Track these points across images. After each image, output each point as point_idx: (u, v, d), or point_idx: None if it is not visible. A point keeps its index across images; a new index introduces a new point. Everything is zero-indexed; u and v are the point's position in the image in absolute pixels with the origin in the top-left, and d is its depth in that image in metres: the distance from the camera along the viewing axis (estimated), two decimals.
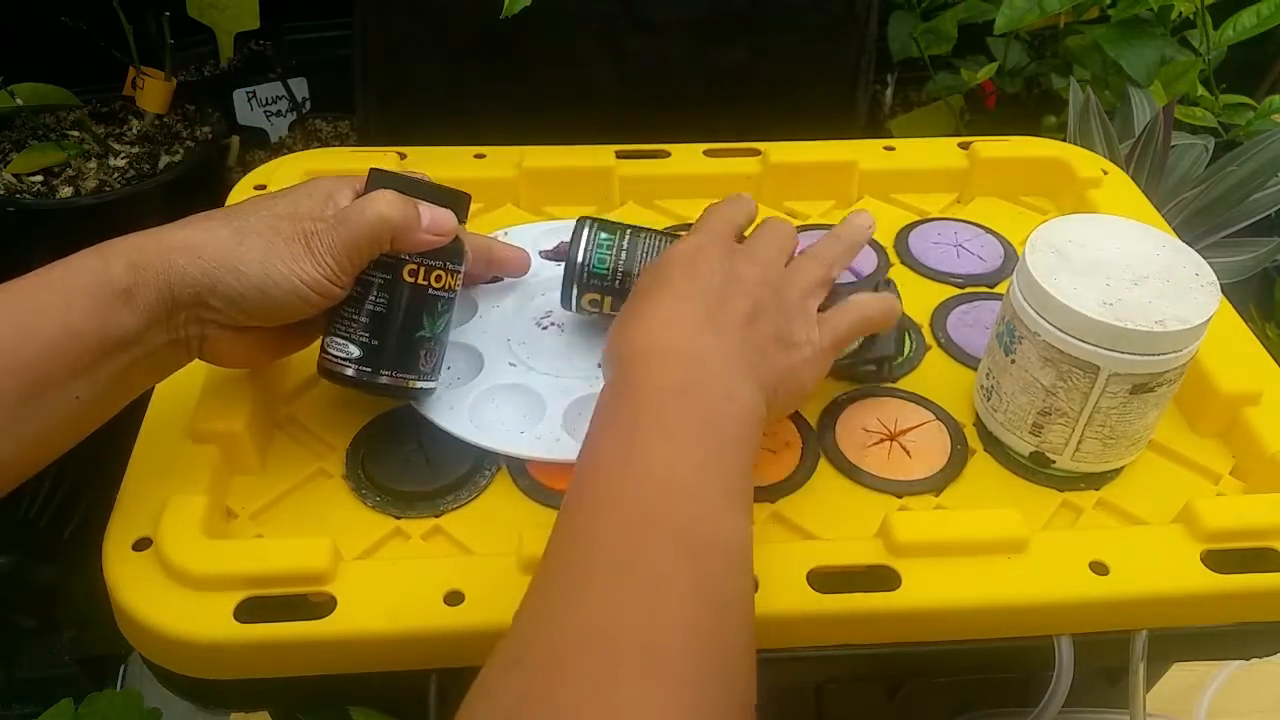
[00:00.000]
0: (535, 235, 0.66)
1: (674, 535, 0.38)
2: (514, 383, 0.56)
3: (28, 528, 1.02)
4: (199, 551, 0.45)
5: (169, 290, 0.44)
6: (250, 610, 0.44)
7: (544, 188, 0.71)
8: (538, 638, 0.36)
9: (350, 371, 0.50)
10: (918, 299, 0.64)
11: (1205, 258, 0.51)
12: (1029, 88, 1.18)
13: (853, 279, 0.66)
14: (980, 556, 0.47)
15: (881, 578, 0.46)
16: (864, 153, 0.73)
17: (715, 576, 0.38)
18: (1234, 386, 0.55)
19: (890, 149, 0.74)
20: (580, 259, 0.56)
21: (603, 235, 0.56)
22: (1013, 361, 0.52)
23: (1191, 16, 1.04)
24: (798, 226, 0.65)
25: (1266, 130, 0.97)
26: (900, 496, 0.52)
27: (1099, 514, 0.52)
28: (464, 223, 0.52)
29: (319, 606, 0.44)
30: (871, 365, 0.57)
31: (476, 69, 0.99)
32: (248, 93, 1.28)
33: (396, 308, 0.50)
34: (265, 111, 1.30)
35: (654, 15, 0.98)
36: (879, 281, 0.59)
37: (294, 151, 0.83)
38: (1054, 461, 0.53)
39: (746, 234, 0.53)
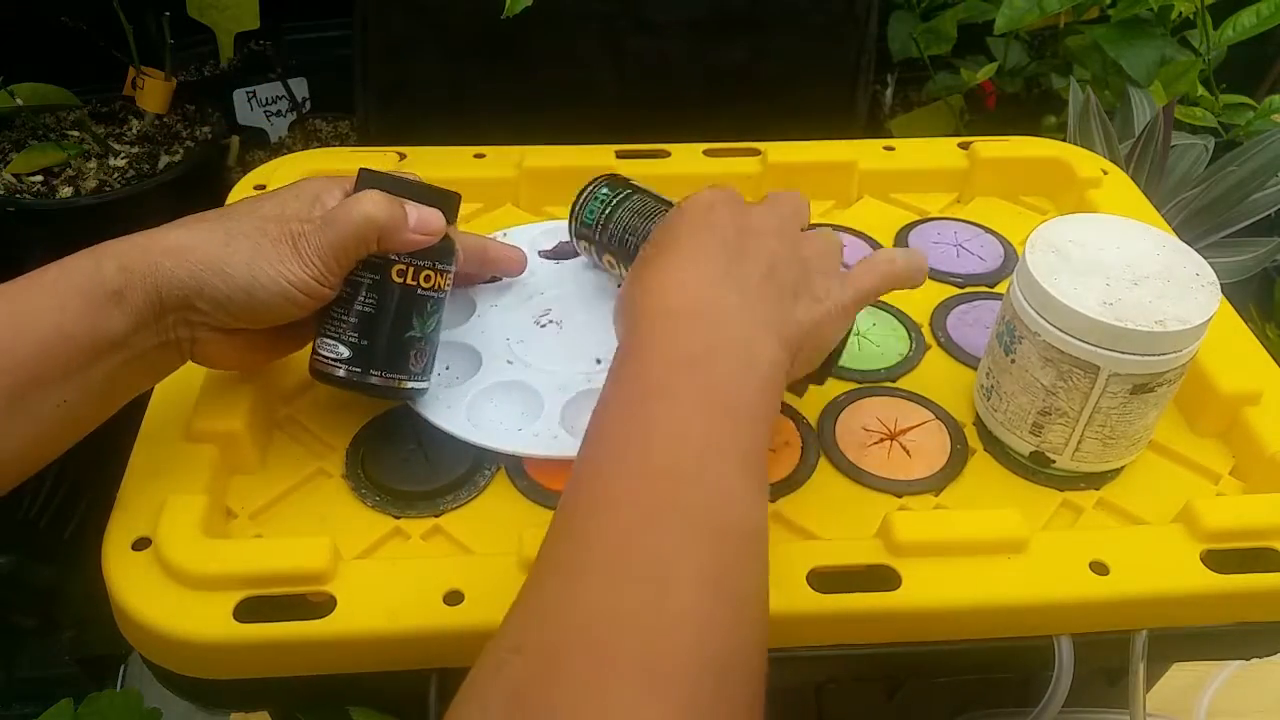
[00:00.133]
0: (534, 235, 0.66)
1: (685, 519, 0.36)
2: (512, 380, 0.56)
3: (28, 528, 1.02)
4: (198, 551, 0.45)
5: (156, 293, 0.44)
6: (250, 610, 0.44)
7: (544, 188, 0.71)
8: (533, 633, 0.34)
9: (341, 372, 0.50)
10: (918, 299, 0.64)
11: (1205, 258, 0.51)
12: (1029, 88, 1.18)
13: None
14: (980, 556, 0.47)
15: (881, 577, 0.46)
16: (864, 153, 0.73)
17: (728, 564, 0.36)
18: (1234, 386, 0.55)
19: (890, 149, 0.74)
20: (576, 207, 0.61)
21: (603, 190, 0.60)
22: (1013, 361, 0.52)
23: (1191, 16, 1.04)
24: None
25: (1266, 130, 0.97)
26: (900, 496, 0.52)
27: (1099, 514, 0.52)
28: (454, 222, 0.52)
29: (318, 606, 0.44)
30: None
31: (476, 69, 0.99)
32: (248, 93, 1.28)
33: (385, 308, 0.50)
34: (265, 111, 1.30)
35: (654, 15, 0.98)
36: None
37: (294, 151, 0.83)
38: (1054, 461, 0.53)
39: None
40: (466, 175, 0.69)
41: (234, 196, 0.65)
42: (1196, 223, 0.92)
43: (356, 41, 1.00)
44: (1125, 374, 0.48)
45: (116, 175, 1.09)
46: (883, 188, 0.73)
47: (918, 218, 0.72)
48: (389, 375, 0.51)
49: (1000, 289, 0.66)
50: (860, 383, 0.58)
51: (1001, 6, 0.99)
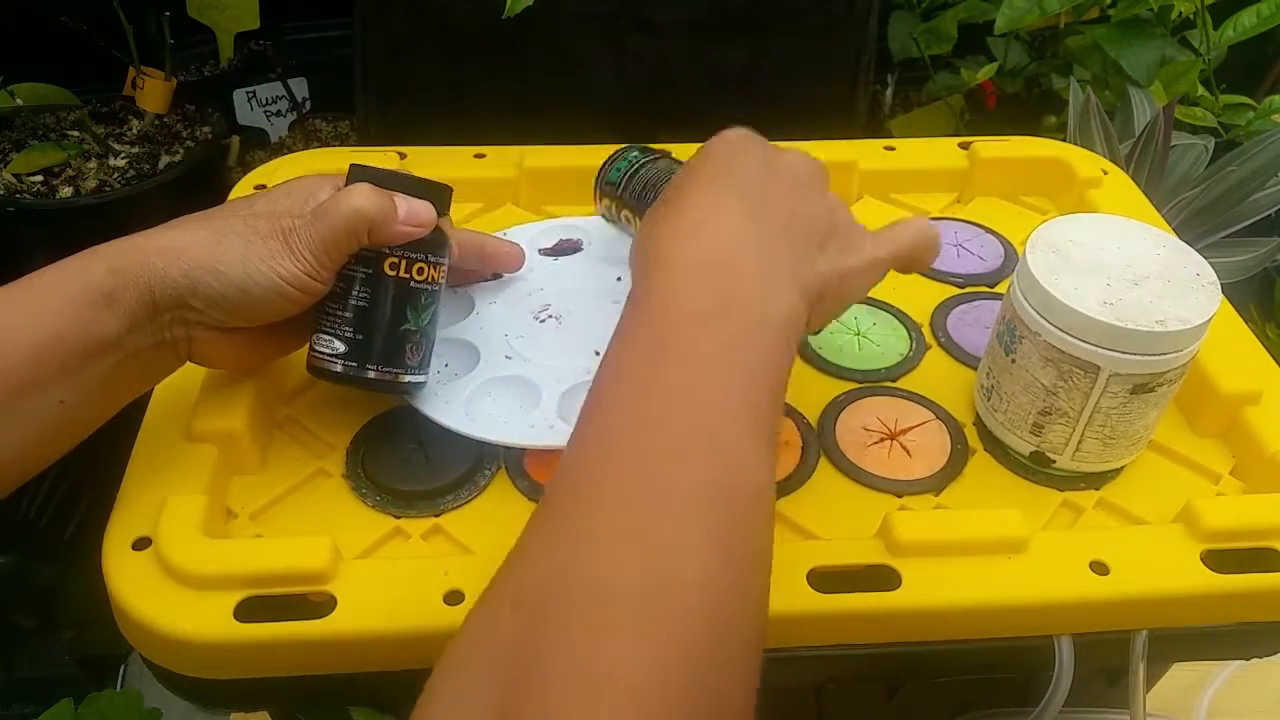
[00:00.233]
0: (534, 234, 0.66)
1: (691, 477, 0.35)
2: (510, 375, 0.56)
3: (28, 528, 1.02)
4: (199, 551, 0.45)
5: (150, 293, 0.44)
6: (250, 610, 0.44)
7: (544, 187, 0.71)
8: (533, 582, 0.34)
9: (337, 367, 0.50)
10: (918, 299, 0.64)
11: (1205, 258, 0.51)
12: (1029, 88, 1.18)
13: None
14: (980, 556, 0.47)
15: (881, 577, 0.46)
16: (864, 153, 0.73)
17: (734, 523, 0.35)
18: (1234, 386, 0.55)
19: (890, 149, 0.74)
20: (603, 166, 0.63)
21: (634, 153, 0.63)
22: (1013, 361, 0.52)
23: (1191, 16, 1.04)
24: None
25: (1266, 130, 0.97)
26: (900, 496, 0.52)
27: (1099, 514, 0.52)
28: (445, 214, 0.52)
29: (319, 606, 0.44)
30: None
31: (477, 69, 0.99)
32: (248, 93, 1.28)
33: (379, 302, 0.50)
34: (265, 111, 1.30)
35: (654, 15, 0.98)
36: None
37: (294, 151, 0.83)
38: (1054, 461, 0.53)
39: None
40: (466, 175, 0.69)
41: (234, 196, 0.65)
42: (1196, 223, 0.92)
43: (356, 41, 1.00)
44: (1125, 374, 0.48)
45: (116, 175, 1.09)
46: (883, 188, 0.73)
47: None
48: (386, 369, 0.51)
49: (1000, 289, 0.66)
50: (860, 383, 0.58)
51: (1001, 6, 0.99)
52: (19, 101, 1.07)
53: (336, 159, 0.71)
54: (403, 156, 0.70)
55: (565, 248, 0.65)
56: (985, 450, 0.55)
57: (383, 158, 0.68)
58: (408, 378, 0.52)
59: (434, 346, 0.54)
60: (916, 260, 0.48)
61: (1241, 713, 0.77)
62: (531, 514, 0.36)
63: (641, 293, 0.41)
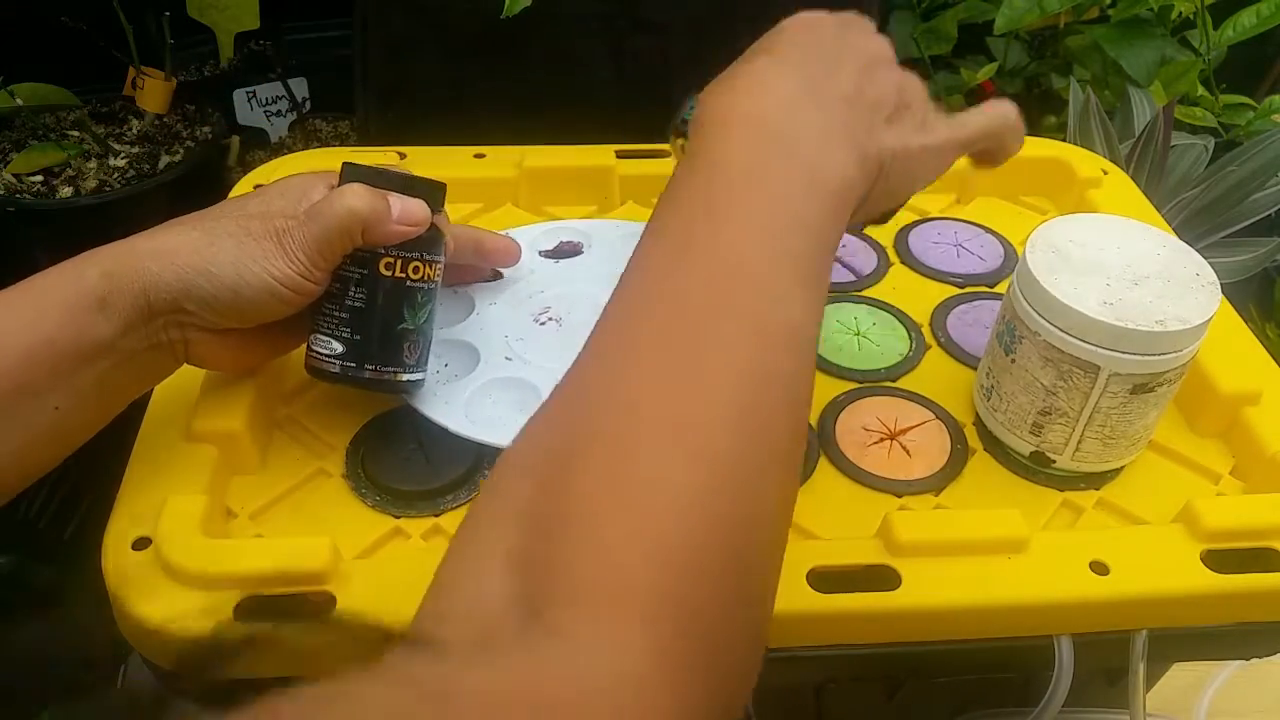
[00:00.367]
0: (535, 235, 0.66)
1: (735, 316, 0.35)
2: (510, 377, 0.56)
3: (28, 528, 1.02)
4: (198, 551, 0.45)
5: (144, 296, 0.44)
6: (250, 610, 0.44)
7: (544, 188, 0.71)
8: (565, 407, 0.34)
9: (335, 368, 0.50)
10: (918, 299, 0.64)
11: (1205, 258, 0.51)
12: (1029, 88, 1.18)
13: (853, 278, 0.66)
14: (980, 556, 0.47)
15: (881, 577, 0.46)
16: None
17: (776, 359, 0.34)
18: (1234, 386, 0.55)
19: None
20: (685, 107, 0.60)
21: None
22: (1013, 361, 0.52)
23: (1191, 16, 1.04)
24: None
25: (1266, 130, 0.97)
26: (900, 496, 0.52)
27: (1099, 514, 0.52)
28: (440, 211, 0.52)
29: (318, 606, 0.44)
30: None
31: (477, 69, 0.99)
32: (248, 93, 1.28)
33: (375, 302, 0.50)
34: (265, 111, 1.30)
35: (654, 15, 0.98)
36: None
37: (294, 151, 0.83)
38: (1054, 461, 0.53)
39: None
40: (466, 175, 0.69)
41: (233, 196, 0.65)
42: (1196, 223, 0.92)
43: (356, 41, 0.99)
44: (1125, 374, 0.48)
45: (116, 175, 1.09)
46: None
47: (918, 218, 0.72)
48: (383, 369, 0.51)
49: (1000, 289, 0.66)
50: (860, 383, 0.58)
51: (1001, 6, 0.99)
52: (19, 101, 1.07)
53: (336, 159, 0.70)
54: (402, 156, 0.70)
55: (566, 250, 0.65)
56: (985, 450, 0.55)
57: (383, 157, 0.68)
58: (406, 376, 0.52)
59: (432, 344, 0.54)
60: (998, 146, 0.46)
61: (1241, 713, 0.77)
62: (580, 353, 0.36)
63: (697, 147, 0.40)
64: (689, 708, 0.29)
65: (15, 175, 1.08)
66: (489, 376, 0.56)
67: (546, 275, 0.63)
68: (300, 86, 1.29)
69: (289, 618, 0.44)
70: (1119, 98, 1.02)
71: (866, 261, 0.67)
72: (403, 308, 0.51)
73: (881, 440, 0.55)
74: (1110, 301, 0.48)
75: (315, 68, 1.30)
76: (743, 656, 0.32)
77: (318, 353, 0.50)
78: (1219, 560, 0.47)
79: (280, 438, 0.55)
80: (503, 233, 0.67)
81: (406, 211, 0.49)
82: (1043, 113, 1.14)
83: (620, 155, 0.71)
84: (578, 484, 0.31)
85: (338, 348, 0.50)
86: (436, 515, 0.51)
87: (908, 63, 0.45)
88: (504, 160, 0.71)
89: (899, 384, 0.59)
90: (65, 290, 0.44)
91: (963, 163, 0.73)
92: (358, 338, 0.50)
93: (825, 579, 0.46)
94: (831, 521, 0.51)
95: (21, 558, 0.98)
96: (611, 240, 0.66)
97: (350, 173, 0.50)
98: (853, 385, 0.58)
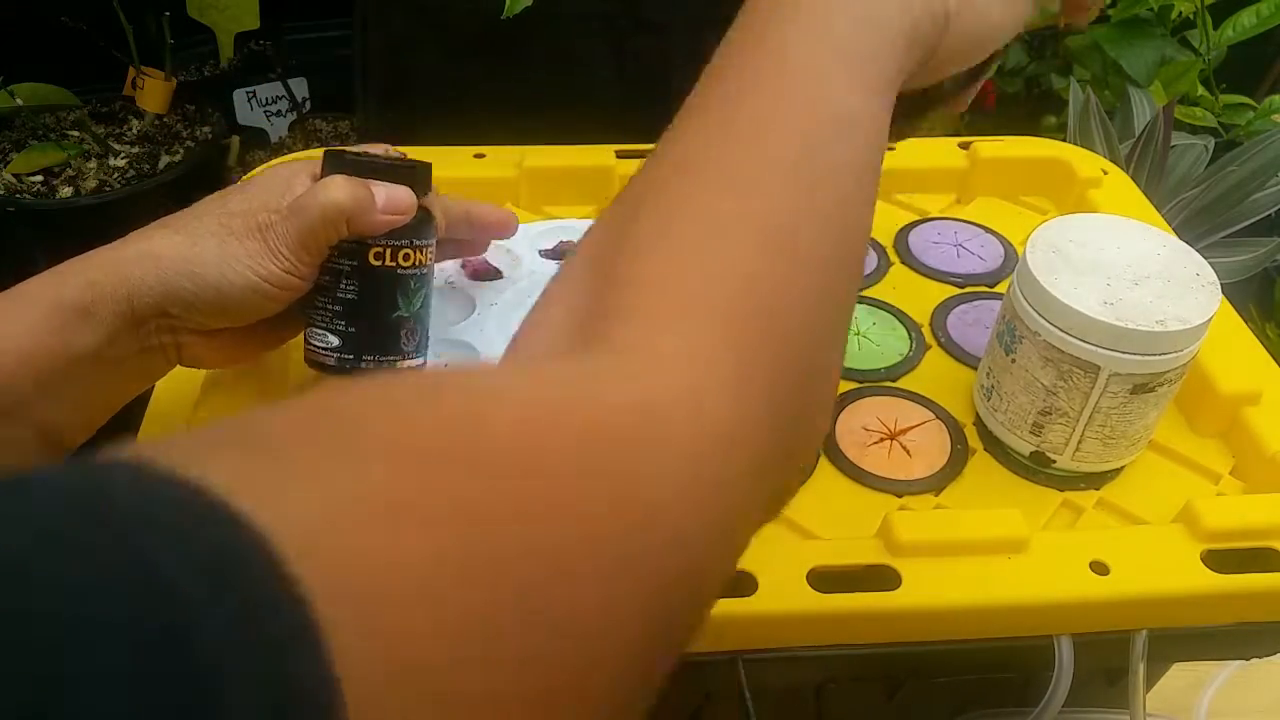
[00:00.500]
0: (534, 235, 0.66)
1: (803, 103, 0.33)
2: None
3: None
4: None
5: (128, 303, 0.44)
6: None
7: (544, 187, 0.71)
8: (628, 192, 0.32)
9: (333, 361, 0.50)
10: (918, 299, 0.64)
11: (1205, 258, 0.51)
12: (1029, 88, 1.18)
13: None
14: (980, 556, 0.47)
15: (881, 577, 0.46)
16: None
17: (834, 147, 0.33)
18: (1234, 386, 0.55)
19: (890, 148, 0.73)
20: None
21: None
22: (1013, 361, 0.52)
23: (1191, 16, 1.04)
24: None
25: (1266, 130, 0.97)
26: (900, 496, 0.52)
27: (1099, 514, 0.52)
28: (428, 192, 0.51)
29: None
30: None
31: (477, 69, 0.99)
32: (248, 93, 1.28)
33: (368, 293, 0.49)
34: (265, 111, 1.30)
35: (654, 15, 0.98)
36: None
37: (294, 151, 0.83)
38: (1054, 461, 0.53)
39: None
40: (466, 175, 0.69)
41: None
42: (1196, 223, 0.92)
43: (356, 41, 0.99)
44: (1125, 374, 0.48)
45: (116, 175, 1.09)
46: (883, 187, 0.72)
47: (918, 218, 0.72)
48: (382, 358, 0.50)
49: (1000, 289, 0.66)
50: (860, 382, 0.58)
51: None
52: (19, 101, 1.07)
53: None
54: (402, 156, 0.70)
55: (566, 250, 0.65)
56: (985, 450, 0.55)
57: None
58: (405, 363, 0.51)
59: (431, 342, 0.53)
60: None
61: (1241, 713, 0.77)
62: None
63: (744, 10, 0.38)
64: (760, 437, 0.28)
65: (15, 175, 1.08)
66: None
67: (546, 275, 0.63)
68: (300, 86, 1.30)
69: None
70: (1119, 98, 1.02)
71: (867, 261, 0.67)
72: (396, 297, 0.50)
73: (881, 440, 0.55)
74: (1110, 301, 0.48)
75: (315, 68, 1.30)
76: (811, 404, 0.31)
77: (315, 346, 0.50)
78: (1219, 560, 0.47)
79: None
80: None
81: (391, 200, 0.48)
82: (1043, 113, 1.14)
83: (620, 155, 0.71)
84: (643, 226, 0.30)
85: (334, 341, 0.49)
86: None
87: None
88: (504, 160, 0.71)
89: (899, 384, 0.59)
90: (49, 301, 0.43)
91: (963, 163, 0.73)
92: (353, 330, 0.49)
93: (825, 579, 0.46)
94: (831, 521, 0.51)
95: None
96: None
97: (332, 162, 0.49)
98: (853, 385, 0.58)
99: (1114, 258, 0.50)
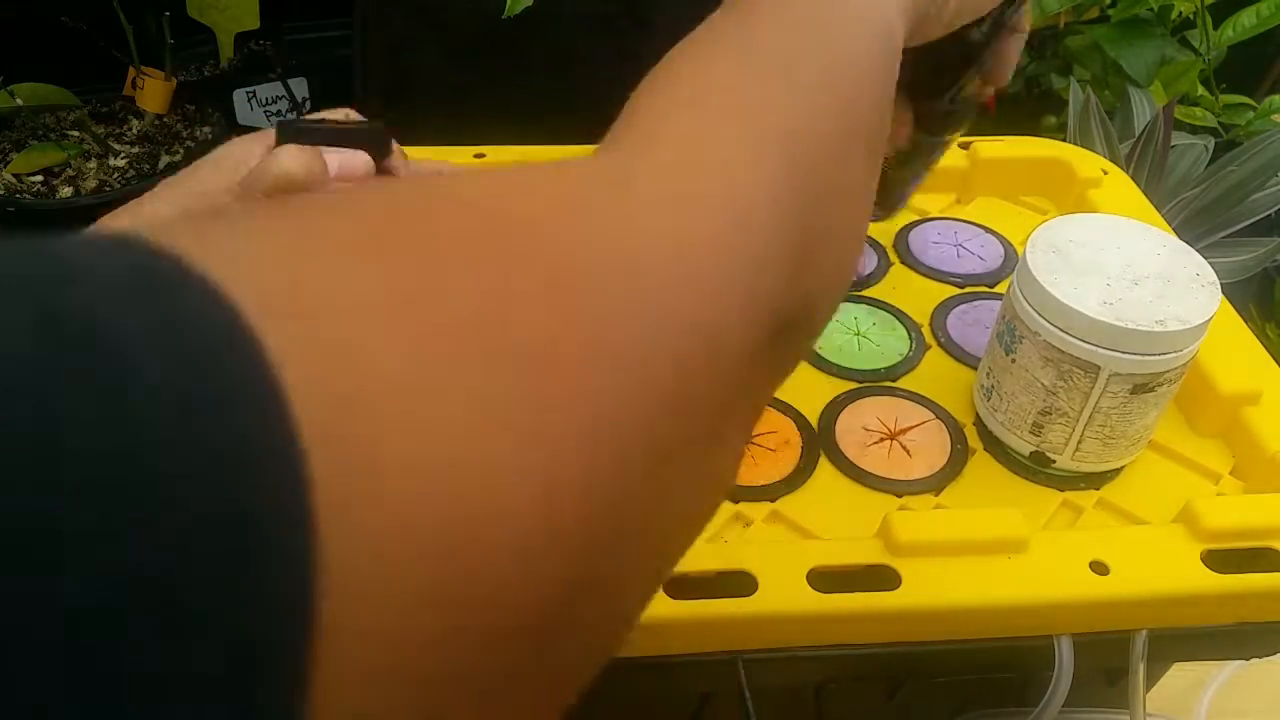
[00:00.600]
0: None
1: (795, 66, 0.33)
2: None
3: None
4: None
5: None
6: None
7: None
8: (645, 85, 0.33)
9: None
10: (918, 299, 0.64)
11: (1205, 258, 0.51)
12: (1029, 88, 1.18)
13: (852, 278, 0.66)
14: (980, 556, 0.47)
15: (881, 577, 0.46)
16: None
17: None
18: (1234, 386, 0.55)
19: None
20: None
21: None
22: (1013, 361, 0.52)
23: (1191, 16, 1.04)
24: None
25: (1266, 130, 0.97)
26: (900, 496, 0.52)
27: (1099, 514, 0.52)
28: (389, 155, 0.49)
29: None
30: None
31: (477, 69, 0.99)
32: (248, 93, 1.28)
33: None
34: (265, 111, 1.30)
35: (654, 15, 0.98)
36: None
37: None
38: (1054, 461, 0.53)
39: None
40: None
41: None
42: (1196, 223, 0.92)
43: (356, 41, 1.00)
44: (1125, 374, 0.48)
45: (117, 175, 1.09)
46: None
47: (918, 218, 0.72)
48: None
49: (1000, 289, 0.66)
50: (860, 382, 0.58)
51: None
52: (19, 101, 1.07)
53: None
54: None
55: None
56: (985, 450, 0.55)
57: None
58: None
59: None
60: None
61: (1241, 713, 0.77)
62: None
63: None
64: (789, 231, 0.28)
65: (15, 175, 1.08)
66: None
67: None
68: (300, 86, 1.29)
69: None
70: (1119, 98, 1.02)
71: (867, 261, 0.67)
72: None
73: (881, 440, 0.55)
74: (1110, 301, 0.48)
75: (315, 68, 1.30)
76: (836, 220, 0.31)
77: None
78: (1219, 560, 0.47)
79: None
80: None
81: (346, 167, 0.46)
82: (1043, 113, 1.14)
83: None
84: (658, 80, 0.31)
85: None
86: None
87: None
88: (504, 160, 0.71)
89: (899, 384, 0.59)
90: None
91: (962, 162, 0.73)
92: None
93: (825, 579, 0.46)
94: (831, 521, 0.51)
95: None
96: None
97: (284, 131, 0.46)
98: (852, 385, 0.58)
99: (1114, 258, 0.50)
